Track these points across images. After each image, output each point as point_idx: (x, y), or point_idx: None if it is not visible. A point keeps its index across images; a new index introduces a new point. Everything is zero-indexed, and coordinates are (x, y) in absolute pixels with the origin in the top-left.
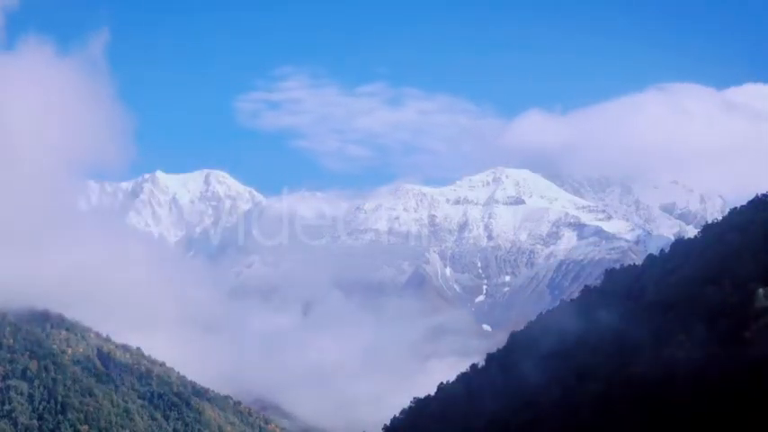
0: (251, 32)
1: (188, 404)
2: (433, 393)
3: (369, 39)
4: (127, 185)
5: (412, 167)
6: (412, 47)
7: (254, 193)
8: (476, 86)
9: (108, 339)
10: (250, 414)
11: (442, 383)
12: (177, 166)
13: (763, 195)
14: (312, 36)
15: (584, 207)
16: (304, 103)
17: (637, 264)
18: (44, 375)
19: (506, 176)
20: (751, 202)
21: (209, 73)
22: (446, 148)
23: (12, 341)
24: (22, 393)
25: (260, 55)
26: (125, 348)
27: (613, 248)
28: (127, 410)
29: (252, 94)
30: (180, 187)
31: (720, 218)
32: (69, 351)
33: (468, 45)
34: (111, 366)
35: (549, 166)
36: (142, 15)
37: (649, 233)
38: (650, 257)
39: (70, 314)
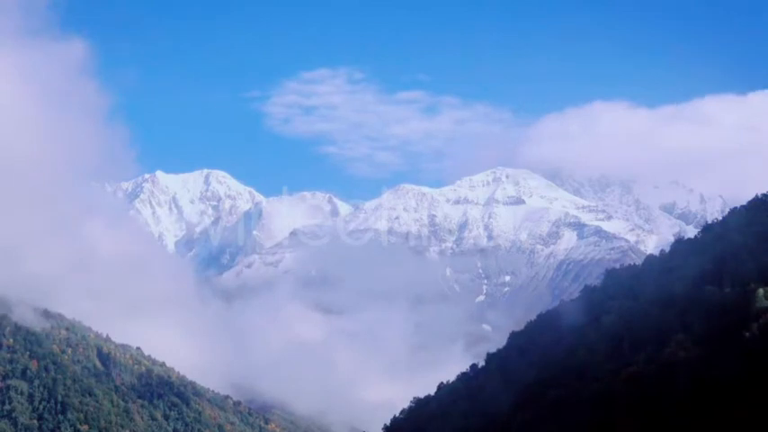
0: (286, 32)
1: (188, 404)
2: (432, 393)
3: (411, 44)
4: (127, 185)
5: (438, 173)
6: (454, 53)
7: (254, 193)
8: (514, 95)
9: (108, 339)
10: (250, 414)
11: (441, 383)
12: (177, 166)
13: (763, 195)
14: (352, 39)
15: (584, 207)
16: (339, 109)
17: (637, 264)
18: (44, 375)
19: (506, 176)
20: (751, 203)
21: (239, 75)
22: (475, 155)
23: (12, 341)
24: (22, 393)
25: (296, 56)
26: (125, 348)
27: (613, 248)
28: (127, 410)
29: (286, 98)
30: (180, 187)
31: (720, 218)
32: (69, 351)
33: (509, 53)
34: (111, 366)
35: (548, 166)
36: (168, 16)
37: (649, 233)
38: (650, 257)
39: (71, 314)
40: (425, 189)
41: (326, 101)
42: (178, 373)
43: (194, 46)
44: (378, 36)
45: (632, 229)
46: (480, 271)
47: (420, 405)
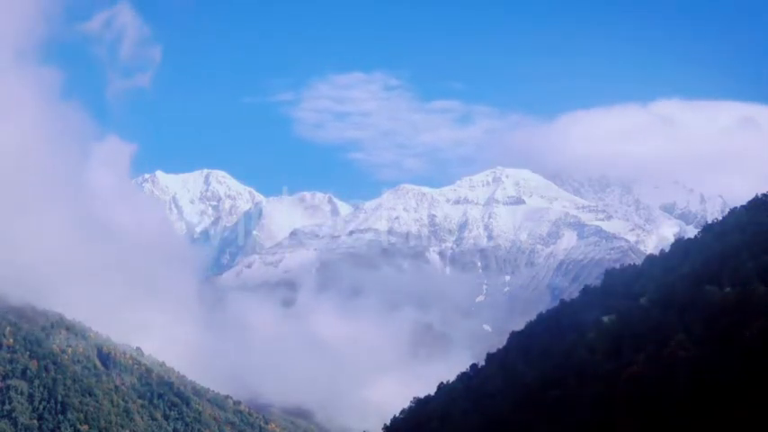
0: (320, 34)
1: (188, 404)
2: (432, 393)
3: (449, 50)
4: None
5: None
6: (490, 61)
7: (254, 192)
8: (547, 103)
9: (108, 339)
10: (250, 414)
11: (441, 383)
12: (177, 166)
13: (763, 195)
14: (389, 44)
15: (584, 207)
16: (372, 117)
17: (637, 264)
18: (44, 375)
19: (506, 176)
20: (751, 202)
21: (270, 76)
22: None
23: (12, 341)
24: (22, 393)
25: (330, 59)
26: (125, 348)
27: (613, 248)
28: (127, 410)
29: (318, 103)
30: (180, 187)
31: (720, 218)
32: (69, 351)
33: (547, 60)
34: (111, 366)
35: (549, 166)
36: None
37: (649, 233)
38: (650, 257)
39: (71, 314)
40: (425, 189)
41: (360, 107)
42: (178, 373)
43: (222, 45)
44: (416, 41)
45: (632, 229)
46: (480, 271)
47: (420, 405)
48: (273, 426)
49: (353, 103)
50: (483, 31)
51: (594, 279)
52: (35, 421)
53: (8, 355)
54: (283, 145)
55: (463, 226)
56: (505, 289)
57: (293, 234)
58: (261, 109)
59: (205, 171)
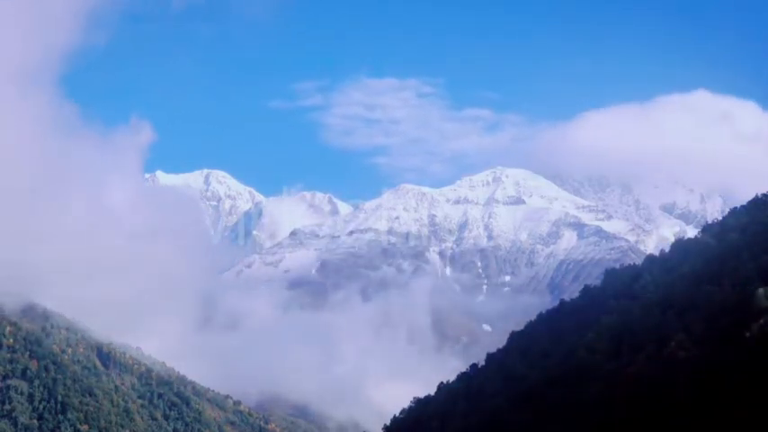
0: (356, 36)
1: (188, 404)
2: (432, 393)
3: (483, 58)
4: None
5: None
6: (522, 69)
7: (254, 192)
8: (578, 111)
9: (108, 339)
10: (250, 414)
11: (441, 383)
12: (177, 166)
13: (763, 195)
14: (426, 51)
15: (584, 207)
16: (401, 124)
17: (637, 264)
18: (44, 375)
19: (506, 176)
20: (751, 202)
21: (299, 79)
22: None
23: (12, 341)
24: (22, 393)
25: (364, 62)
26: (125, 348)
27: (613, 248)
28: (127, 410)
29: (349, 109)
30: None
31: (720, 218)
32: (69, 351)
33: (578, 70)
34: (111, 366)
35: (549, 166)
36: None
37: (649, 233)
38: (650, 257)
39: (71, 313)
40: (425, 189)
41: (391, 115)
42: (178, 373)
43: (250, 48)
44: (453, 49)
45: (632, 229)
46: (480, 271)
47: (420, 405)
48: (273, 426)
49: (384, 111)
50: (520, 39)
51: (594, 279)
52: (35, 421)
53: (8, 355)
54: (304, 149)
55: (463, 226)
56: (505, 289)
57: (293, 234)
58: (284, 113)
59: (205, 171)
